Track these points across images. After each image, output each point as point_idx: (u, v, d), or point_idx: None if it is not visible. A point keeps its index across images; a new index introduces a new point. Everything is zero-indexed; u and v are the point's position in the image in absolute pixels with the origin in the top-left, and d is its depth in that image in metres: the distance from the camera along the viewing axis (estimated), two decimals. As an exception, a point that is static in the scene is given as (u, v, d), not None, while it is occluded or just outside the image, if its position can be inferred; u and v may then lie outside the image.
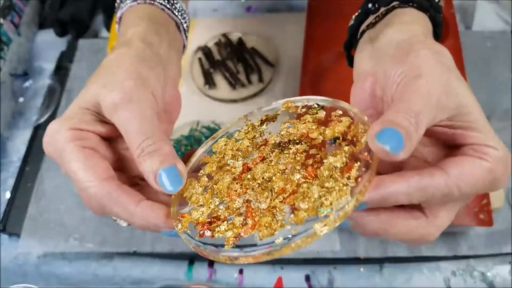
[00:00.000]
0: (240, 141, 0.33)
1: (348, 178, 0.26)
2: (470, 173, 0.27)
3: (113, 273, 0.54)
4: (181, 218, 0.29)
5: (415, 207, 0.29)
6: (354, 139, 0.29)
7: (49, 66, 0.73)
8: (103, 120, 0.32)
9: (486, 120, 0.29)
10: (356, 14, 0.38)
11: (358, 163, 0.27)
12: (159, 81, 0.34)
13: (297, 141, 0.31)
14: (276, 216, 0.27)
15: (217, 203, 0.30)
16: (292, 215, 0.26)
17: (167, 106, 0.35)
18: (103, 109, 0.31)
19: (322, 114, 0.32)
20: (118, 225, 0.54)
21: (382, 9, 0.35)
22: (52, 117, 0.66)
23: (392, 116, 0.26)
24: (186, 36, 0.41)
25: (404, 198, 0.27)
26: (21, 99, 0.70)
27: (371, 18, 0.36)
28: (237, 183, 0.30)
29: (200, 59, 0.67)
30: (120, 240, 0.54)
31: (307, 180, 0.28)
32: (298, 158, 0.30)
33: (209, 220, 0.29)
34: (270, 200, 0.28)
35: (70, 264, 0.55)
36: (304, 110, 0.32)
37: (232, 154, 0.32)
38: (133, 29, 0.36)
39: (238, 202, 0.29)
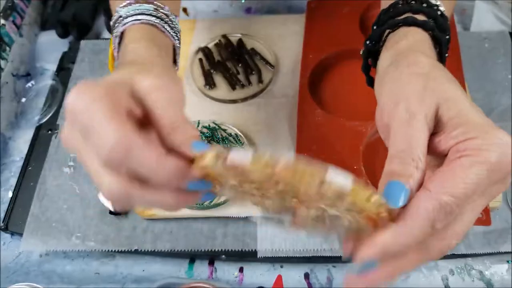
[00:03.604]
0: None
1: None
2: (454, 176, 0.26)
3: (114, 272, 0.54)
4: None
5: None
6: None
7: (51, 66, 0.73)
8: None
9: (475, 110, 0.28)
10: (366, 40, 0.40)
11: None
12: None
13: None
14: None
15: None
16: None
17: None
18: (138, 90, 0.30)
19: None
20: (119, 224, 0.55)
21: (383, 37, 0.37)
22: (54, 118, 0.66)
23: (392, 165, 0.28)
24: (177, 61, 0.42)
25: (413, 240, 0.26)
26: (23, 100, 0.70)
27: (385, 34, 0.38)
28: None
29: (200, 60, 0.68)
30: (122, 238, 0.54)
31: None
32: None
33: None
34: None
35: (72, 263, 0.55)
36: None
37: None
38: (136, 45, 0.36)
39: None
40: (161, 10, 0.39)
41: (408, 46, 0.34)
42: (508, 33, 0.68)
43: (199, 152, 0.29)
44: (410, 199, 0.27)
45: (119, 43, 0.39)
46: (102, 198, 0.32)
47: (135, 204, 0.30)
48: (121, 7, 0.38)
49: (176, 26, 0.40)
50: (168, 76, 0.32)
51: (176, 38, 0.40)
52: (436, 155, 0.30)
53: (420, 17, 0.36)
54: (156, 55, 0.36)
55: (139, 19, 0.37)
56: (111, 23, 0.40)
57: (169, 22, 0.39)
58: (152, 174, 0.28)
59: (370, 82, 0.40)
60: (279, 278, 0.52)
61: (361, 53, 0.40)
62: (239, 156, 0.27)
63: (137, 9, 0.37)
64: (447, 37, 0.36)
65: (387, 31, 0.37)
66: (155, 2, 0.39)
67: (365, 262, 0.27)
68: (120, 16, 0.38)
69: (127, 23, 0.38)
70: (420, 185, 0.27)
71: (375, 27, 0.38)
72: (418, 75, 0.30)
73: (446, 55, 0.38)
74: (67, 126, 0.30)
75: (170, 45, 0.40)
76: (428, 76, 0.30)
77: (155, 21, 0.38)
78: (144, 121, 0.30)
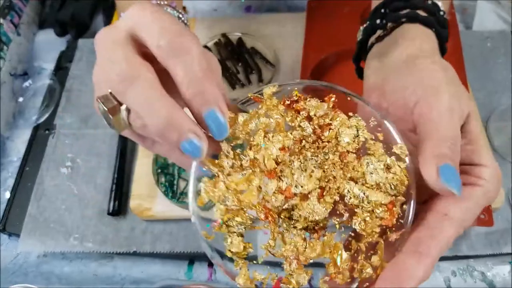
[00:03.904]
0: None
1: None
2: (471, 206, 0.28)
3: (113, 273, 0.54)
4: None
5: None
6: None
7: (49, 66, 0.73)
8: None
9: (481, 126, 0.31)
10: (364, 26, 0.39)
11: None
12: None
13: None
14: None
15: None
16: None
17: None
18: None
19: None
20: (118, 225, 0.55)
21: (390, 24, 0.36)
22: (52, 117, 0.66)
23: (439, 148, 0.27)
24: None
25: (431, 270, 0.27)
26: (20, 99, 0.70)
27: (379, 32, 0.37)
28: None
29: (200, 59, 0.67)
30: (120, 239, 0.54)
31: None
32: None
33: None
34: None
35: (70, 264, 0.55)
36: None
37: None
38: None
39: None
40: (182, 18, 0.39)
41: (429, 47, 0.34)
42: (510, 33, 0.68)
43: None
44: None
45: None
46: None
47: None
48: None
49: (186, 23, 0.40)
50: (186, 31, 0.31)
51: None
52: None
53: (421, 13, 0.36)
54: None
55: None
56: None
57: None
58: (144, 114, 0.28)
59: (360, 71, 0.40)
60: (279, 280, 0.51)
61: (358, 39, 0.39)
62: None
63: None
64: (446, 31, 0.37)
65: (390, 24, 0.36)
66: (176, 8, 0.39)
67: None
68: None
69: None
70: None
71: (368, 22, 0.38)
72: (451, 80, 0.31)
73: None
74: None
75: None
76: (460, 87, 0.31)
77: None
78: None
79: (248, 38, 0.69)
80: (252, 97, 0.31)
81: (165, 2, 0.38)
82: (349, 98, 0.31)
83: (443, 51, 0.37)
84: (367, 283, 0.29)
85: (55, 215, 0.56)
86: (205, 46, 0.68)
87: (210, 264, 0.53)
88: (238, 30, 0.69)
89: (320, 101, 0.30)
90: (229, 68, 0.65)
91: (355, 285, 0.29)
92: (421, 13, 0.36)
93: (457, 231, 0.28)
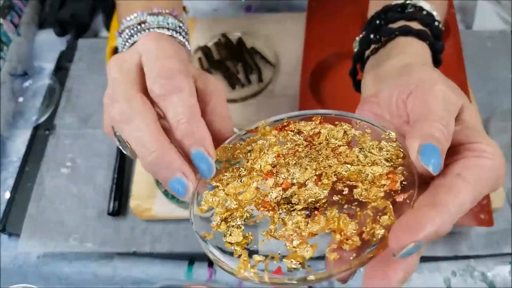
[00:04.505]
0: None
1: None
2: (484, 175, 0.26)
3: (113, 273, 0.54)
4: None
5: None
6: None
7: (49, 66, 0.73)
8: None
9: (479, 119, 0.30)
10: (360, 37, 0.39)
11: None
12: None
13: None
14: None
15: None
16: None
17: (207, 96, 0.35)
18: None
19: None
20: (118, 225, 0.55)
21: (384, 38, 0.37)
22: (51, 117, 0.66)
23: (428, 129, 0.27)
24: None
25: (448, 227, 0.25)
26: (20, 99, 0.70)
27: (373, 46, 0.38)
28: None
29: (200, 59, 0.67)
30: (120, 240, 0.54)
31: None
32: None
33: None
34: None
35: (70, 264, 0.55)
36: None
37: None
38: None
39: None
40: (183, 27, 0.39)
41: (421, 59, 0.34)
42: (510, 32, 0.68)
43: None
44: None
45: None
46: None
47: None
48: (149, 14, 0.38)
49: (189, 42, 0.41)
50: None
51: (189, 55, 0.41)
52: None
53: (415, 25, 0.36)
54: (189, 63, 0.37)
55: (170, 35, 0.37)
56: (127, 22, 0.39)
57: (188, 39, 0.40)
58: (139, 148, 0.30)
59: (357, 86, 0.40)
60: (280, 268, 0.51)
61: (354, 51, 0.40)
62: None
63: (167, 23, 0.38)
64: (441, 43, 0.37)
65: (383, 38, 0.37)
66: (178, 16, 0.39)
67: (411, 247, 0.24)
68: (144, 22, 0.38)
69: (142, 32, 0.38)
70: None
71: (364, 33, 0.39)
72: (443, 77, 0.31)
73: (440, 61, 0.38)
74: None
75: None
76: (449, 81, 0.31)
77: (182, 39, 0.39)
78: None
79: (248, 38, 0.68)
80: (248, 130, 0.35)
81: (167, 11, 0.39)
82: (337, 123, 0.33)
83: (437, 62, 0.37)
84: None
85: (55, 215, 0.56)
86: (205, 46, 0.68)
87: (210, 264, 0.53)
88: (238, 30, 0.69)
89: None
90: (229, 68, 0.65)
91: (370, 250, 0.25)
92: (416, 25, 0.36)
93: (473, 196, 0.26)
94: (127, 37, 0.38)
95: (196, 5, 0.76)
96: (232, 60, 0.66)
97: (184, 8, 0.77)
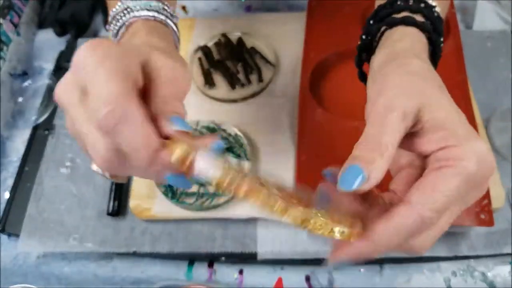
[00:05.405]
0: None
1: None
2: (435, 189, 0.27)
3: (112, 273, 0.54)
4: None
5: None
6: None
7: (49, 65, 0.73)
8: None
9: (458, 118, 0.29)
10: (361, 35, 0.39)
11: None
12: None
13: None
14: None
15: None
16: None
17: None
18: (150, 63, 0.30)
19: None
20: (117, 225, 0.55)
21: (378, 33, 0.37)
22: (51, 117, 0.65)
23: (353, 152, 0.28)
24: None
25: (385, 249, 0.28)
26: (20, 99, 0.70)
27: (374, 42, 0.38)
28: None
29: (199, 59, 0.67)
30: (120, 240, 0.54)
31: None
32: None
33: None
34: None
35: (70, 264, 0.55)
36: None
37: None
38: (149, 38, 0.36)
39: None
40: (168, 10, 0.39)
41: (405, 48, 0.34)
42: (511, 32, 0.67)
43: (174, 131, 0.28)
44: (369, 187, 0.27)
45: (121, 33, 0.38)
46: (95, 167, 0.31)
47: (127, 173, 0.30)
48: None
49: (177, 27, 0.40)
50: (184, 67, 0.33)
51: (177, 39, 0.40)
52: (418, 155, 0.30)
53: (418, 18, 0.36)
54: (172, 48, 0.37)
55: (153, 16, 0.37)
56: (113, 12, 0.39)
57: (175, 22, 0.39)
58: (133, 153, 0.27)
59: (362, 76, 0.40)
60: (280, 280, 0.51)
61: (356, 46, 0.40)
62: (206, 168, 0.28)
63: (149, 5, 0.37)
64: (441, 39, 0.37)
65: (384, 27, 0.37)
66: (162, 0, 0.39)
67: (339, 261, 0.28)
68: (127, 8, 0.38)
69: (140, 16, 0.37)
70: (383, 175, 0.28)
71: (371, 22, 0.38)
72: (407, 74, 0.30)
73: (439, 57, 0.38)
74: (67, 78, 0.28)
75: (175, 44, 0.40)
76: (416, 77, 0.30)
77: (167, 21, 0.38)
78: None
79: (248, 37, 0.68)
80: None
81: None
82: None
83: (435, 57, 0.37)
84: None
85: (54, 215, 0.56)
86: (205, 46, 0.68)
87: (210, 265, 0.53)
88: (238, 30, 0.69)
89: None
90: (229, 68, 0.65)
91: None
92: (418, 17, 0.36)
93: (418, 215, 0.27)
94: (115, 29, 0.38)
95: (196, 5, 0.76)
96: (232, 60, 0.66)
97: (184, 8, 0.77)
